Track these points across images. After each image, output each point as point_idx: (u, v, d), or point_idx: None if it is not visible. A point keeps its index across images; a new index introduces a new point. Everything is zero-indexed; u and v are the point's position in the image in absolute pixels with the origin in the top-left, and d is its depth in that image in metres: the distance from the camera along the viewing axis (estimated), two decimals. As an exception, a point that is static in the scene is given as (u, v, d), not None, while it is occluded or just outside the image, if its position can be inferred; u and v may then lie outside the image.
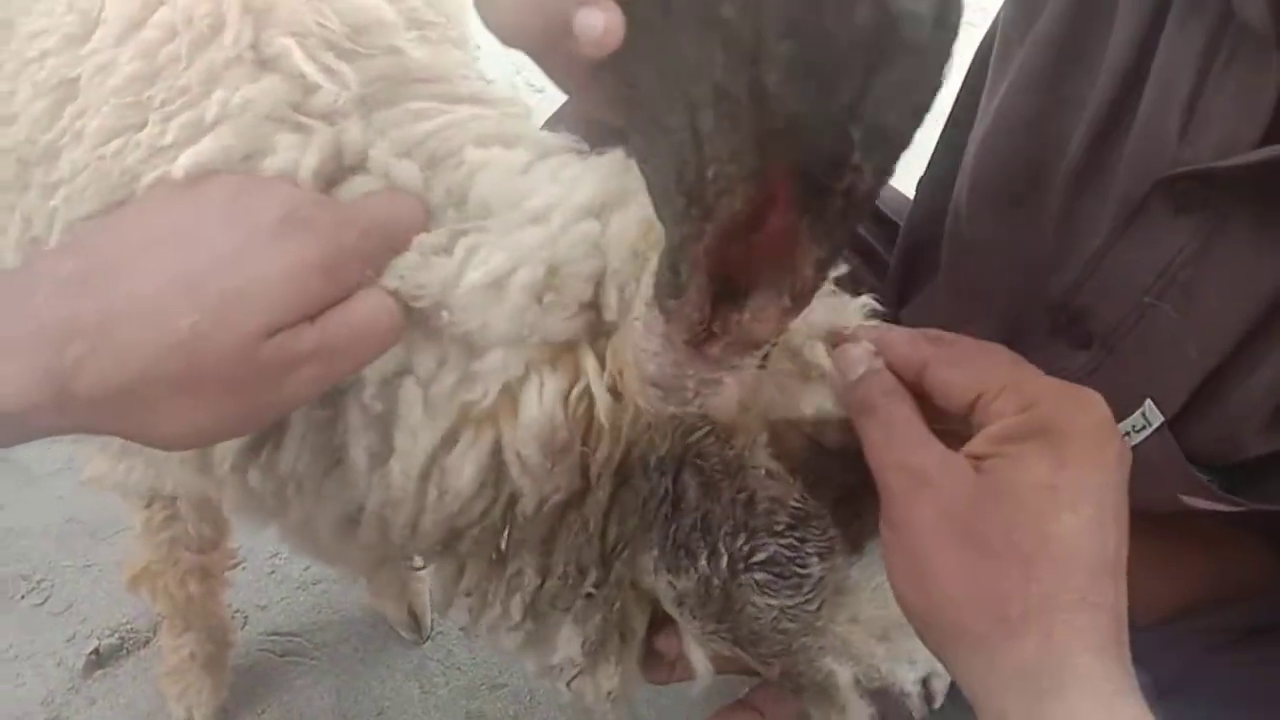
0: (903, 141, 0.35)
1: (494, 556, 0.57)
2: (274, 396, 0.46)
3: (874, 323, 0.51)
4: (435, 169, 0.53)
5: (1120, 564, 0.42)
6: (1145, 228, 0.58)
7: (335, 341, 0.47)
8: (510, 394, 0.51)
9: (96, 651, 1.14)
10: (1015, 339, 0.67)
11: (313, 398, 0.50)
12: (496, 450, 0.52)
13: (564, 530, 0.54)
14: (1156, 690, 0.71)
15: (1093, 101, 0.60)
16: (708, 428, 0.48)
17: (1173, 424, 0.58)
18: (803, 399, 0.49)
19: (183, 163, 0.48)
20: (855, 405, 0.47)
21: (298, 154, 0.50)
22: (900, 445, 0.44)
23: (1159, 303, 0.57)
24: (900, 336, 0.48)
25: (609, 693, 0.58)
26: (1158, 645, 0.69)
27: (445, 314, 0.50)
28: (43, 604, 1.20)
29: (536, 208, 0.51)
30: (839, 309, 0.52)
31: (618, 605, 0.54)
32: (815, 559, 0.49)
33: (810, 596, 0.49)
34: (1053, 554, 0.40)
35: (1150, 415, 0.58)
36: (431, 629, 1.19)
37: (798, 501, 0.49)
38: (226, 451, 0.55)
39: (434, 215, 0.52)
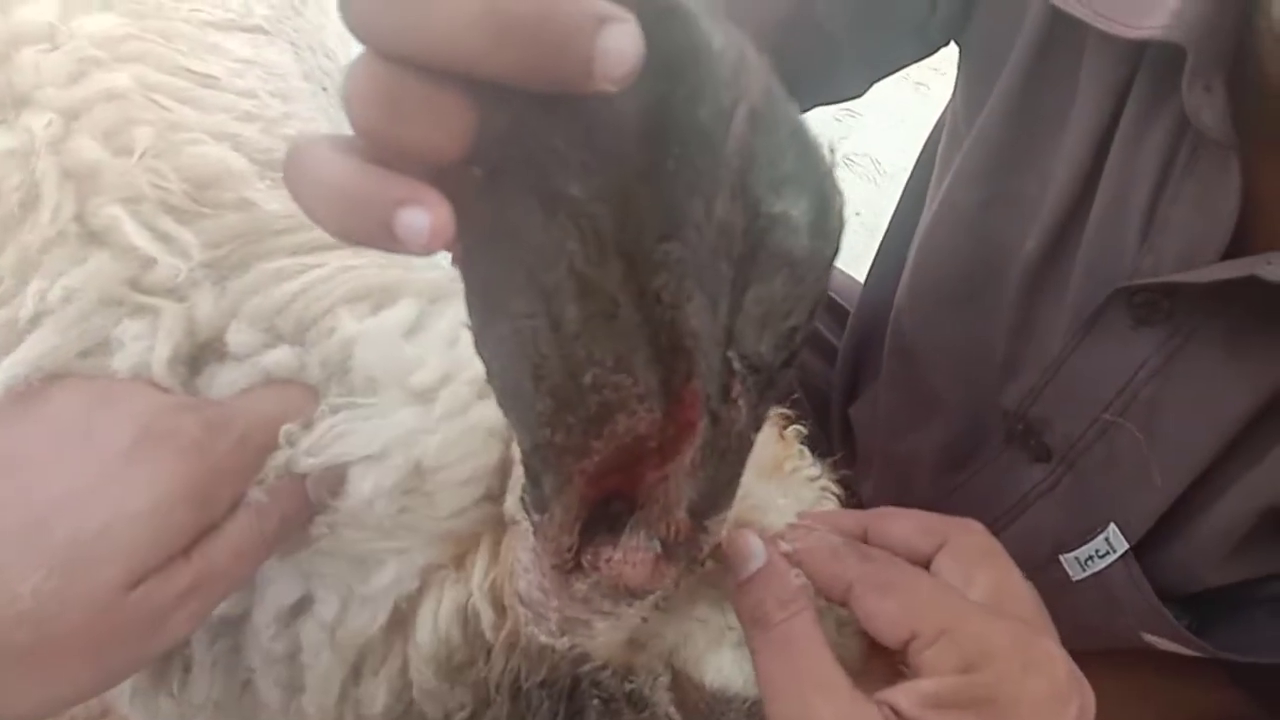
0: (773, 376, 0.30)
1: None
2: (146, 649, 0.41)
3: (804, 521, 0.45)
4: (305, 340, 0.48)
5: None
6: (1104, 339, 0.54)
7: (214, 571, 0.41)
8: (404, 614, 0.46)
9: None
10: (968, 446, 0.63)
11: (191, 633, 0.44)
12: (403, 674, 0.47)
13: None
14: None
15: (1047, 203, 0.56)
16: (598, 662, 0.43)
17: (1136, 551, 0.53)
18: (705, 662, 0.43)
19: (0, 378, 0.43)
20: (744, 614, 0.41)
21: (147, 344, 0.45)
22: (800, 685, 0.37)
23: (1120, 420, 0.53)
24: (821, 548, 0.41)
25: None
26: None
27: (320, 524, 0.45)
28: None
29: (422, 384, 0.47)
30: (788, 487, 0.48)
31: None
32: None
33: None
34: None
35: (1114, 541, 0.54)
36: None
37: None
38: (123, 689, 0.50)
39: (317, 397, 0.47)
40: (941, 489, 0.66)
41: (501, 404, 0.33)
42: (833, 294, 0.86)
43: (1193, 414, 0.51)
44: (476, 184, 0.28)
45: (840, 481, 0.50)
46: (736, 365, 0.31)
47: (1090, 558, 0.55)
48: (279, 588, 0.46)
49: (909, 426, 0.69)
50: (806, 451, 0.53)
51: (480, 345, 0.31)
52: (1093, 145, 0.54)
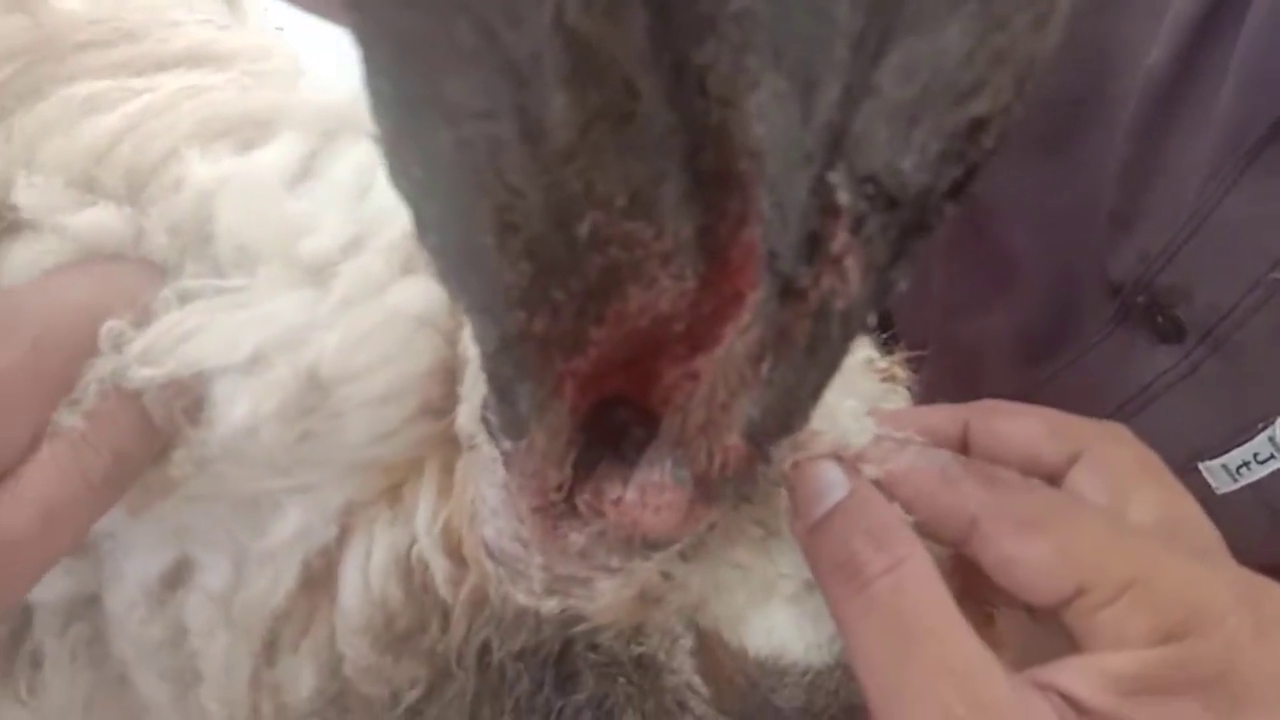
0: (925, 215, 0.18)
1: None
2: None
3: (885, 422, 0.33)
4: (140, 198, 0.34)
5: None
6: (1275, 172, 0.43)
7: (15, 537, 0.28)
8: (322, 571, 0.34)
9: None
10: (1059, 328, 0.52)
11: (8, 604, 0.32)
12: (330, 648, 0.36)
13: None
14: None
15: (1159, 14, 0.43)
16: (596, 625, 0.32)
17: None
18: (748, 623, 0.32)
19: None
20: (823, 564, 0.29)
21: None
22: (926, 673, 0.26)
23: None
24: (928, 469, 0.29)
25: None
26: None
27: (180, 460, 0.32)
28: None
29: (316, 254, 0.33)
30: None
31: None
32: None
33: None
34: None
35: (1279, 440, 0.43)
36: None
37: None
38: None
39: (165, 275, 0.33)
40: (1023, 384, 0.55)
41: (444, 276, 0.21)
42: None
43: None
44: None
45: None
46: (845, 196, 0.18)
47: (1245, 464, 0.46)
48: (143, 554, 0.34)
49: (977, 306, 0.57)
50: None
51: (399, 173, 0.18)
52: None
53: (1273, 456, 0.45)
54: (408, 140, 0.17)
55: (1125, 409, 0.50)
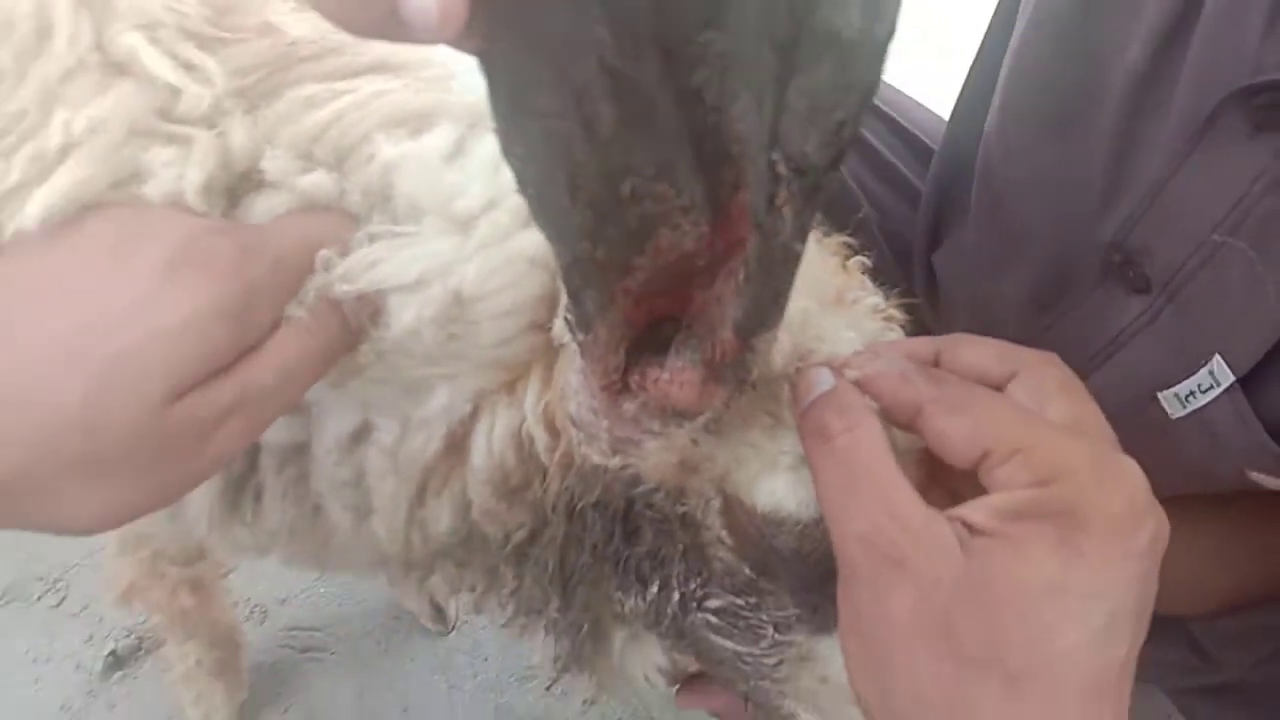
0: (819, 179, 0.28)
1: (483, 567, 0.56)
2: (196, 462, 0.42)
3: (866, 347, 0.44)
4: (344, 168, 0.48)
5: (1127, 672, 0.36)
6: (1215, 150, 0.50)
7: (258, 389, 0.43)
8: (460, 438, 0.47)
9: (114, 653, 1.17)
10: (1061, 283, 0.60)
11: (242, 449, 0.46)
12: (463, 495, 0.49)
13: (528, 558, 0.52)
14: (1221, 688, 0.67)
15: (1151, 3, 0.51)
16: (651, 484, 0.44)
17: (1244, 384, 0.51)
18: (757, 486, 0.43)
19: (33, 209, 0.43)
20: (806, 434, 0.40)
21: (178, 173, 0.45)
22: (866, 501, 0.37)
23: (1231, 240, 0.50)
24: (890, 372, 0.40)
25: (585, 700, 0.57)
26: (1218, 643, 0.64)
27: (366, 350, 0.45)
28: (59, 604, 1.24)
29: (463, 211, 0.46)
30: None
31: (586, 625, 0.52)
32: (770, 627, 0.45)
33: (769, 651, 0.46)
34: (1045, 674, 0.34)
35: (1219, 373, 0.51)
36: (457, 619, 1.20)
37: (748, 577, 0.44)
38: (200, 517, 0.54)
39: (359, 222, 0.47)
40: (1032, 330, 0.64)
41: (536, 217, 0.33)
42: (916, 131, 0.82)
43: None
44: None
45: (908, 312, 0.49)
46: (781, 168, 0.30)
47: (1191, 393, 0.53)
48: (338, 416, 0.48)
49: (998, 267, 0.66)
50: (869, 282, 0.52)
51: (509, 150, 0.30)
52: None
53: (1212, 387, 0.52)
54: (513, 131, 0.29)
55: (1106, 349, 0.58)
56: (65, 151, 0.44)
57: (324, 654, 1.18)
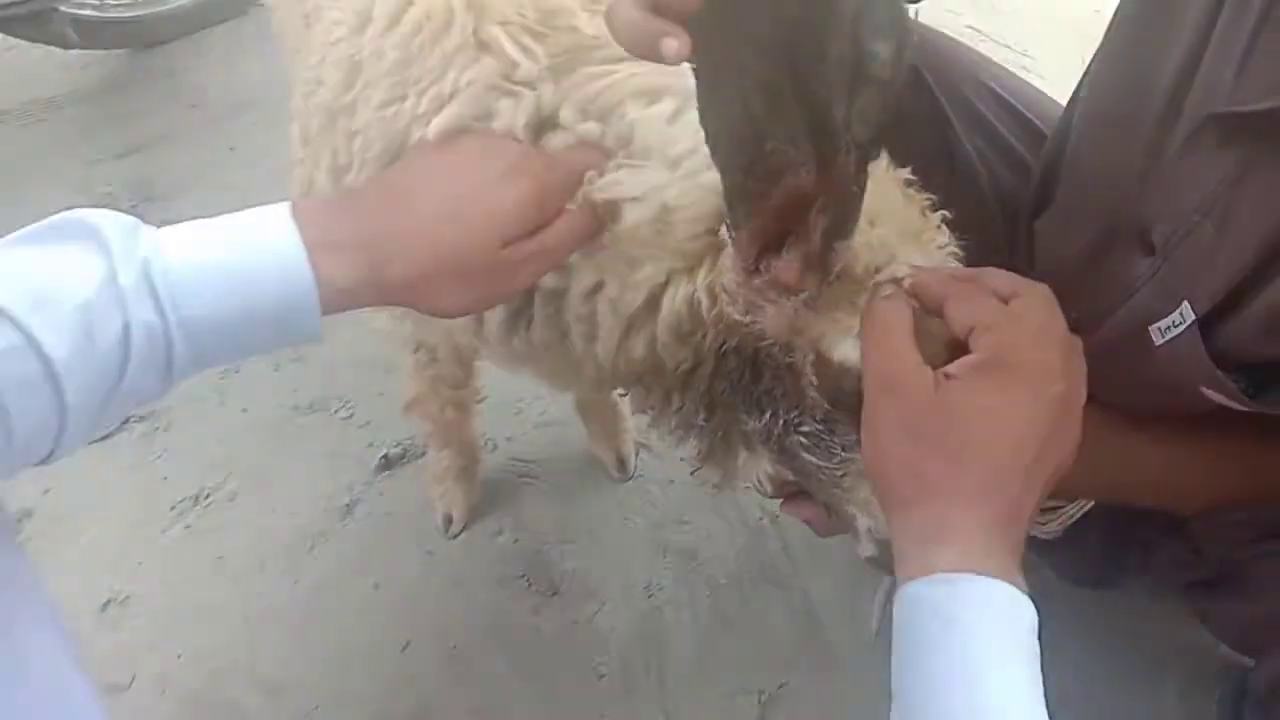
0: (867, 152, 0.53)
1: (660, 390, 0.83)
2: (509, 284, 0.74)
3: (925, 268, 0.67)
4: (606, 121, 0.76)
5: (1038, 474, 0.58)
6: (1197, 154, 0.69)
7: (547, 249, 0.72)
8: (655, 297, 0.75)
9: (385, 457, 1.56)
10: (1105, 249, 0.80)
11: (532, 282, 0.76)
12: (653, 335, 0.77)
13: (689, 385, 0.79)
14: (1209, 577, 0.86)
15: (1181, 43, 0.70)
16: (771, 340, 0.69)
17: (1204, 325, 0.70)
18: (836, 346, 0.67)
19: (433, 128, 0.74)
20: (864, 313, 0.64)
21: (512, 114, 0.75)
22: (882, 351, 0.61)
23: (1203, 220, 0.68)
24: (930, 276, 0.64)
25: (714, 484, 0.86)
26: (1209, 536, 0.82)
27: (607, 236, 0.74)
28: (350, 417, 1.64)
29: (676, 154, 0.73)
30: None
31: (720, 434, 0.79)
32: (839, 448, 0.70)
33: (838, 466, 0.70)
34: (972, 454, 0.57)
35: (1185, 314, 0.70)
36: (635, 471, 1.52)
37: (826, 410, 0.69)
38: (494, 326, 0.85)
39: (610, 156, 0.76)
40: (1086, 280, 0.84)
41: (715, 159, 0.59)
42: (1030, 115, 1.01)
43: (1256, 214, 0.65)
44: (704, 28, 0.53)
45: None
46: (850, 143, 0.54)
47: (1169, 328, 0.72)
48: (585, 274, 0.76)
49: (1068, 236, 0.86)
50: (944, 227, 0.74)
51: (703, 118, 0.56)
52: (1210, 8, 0.67)
53: (1182, 323, 0.70)
54: (707, 107, 0.55)
55: (1124, 294, 0.76)
56: (452, 96, 0.75)
57: (536, 481, 1.54)
